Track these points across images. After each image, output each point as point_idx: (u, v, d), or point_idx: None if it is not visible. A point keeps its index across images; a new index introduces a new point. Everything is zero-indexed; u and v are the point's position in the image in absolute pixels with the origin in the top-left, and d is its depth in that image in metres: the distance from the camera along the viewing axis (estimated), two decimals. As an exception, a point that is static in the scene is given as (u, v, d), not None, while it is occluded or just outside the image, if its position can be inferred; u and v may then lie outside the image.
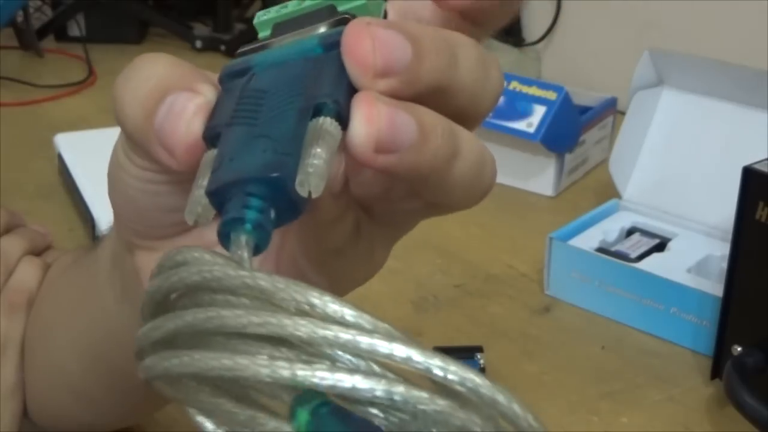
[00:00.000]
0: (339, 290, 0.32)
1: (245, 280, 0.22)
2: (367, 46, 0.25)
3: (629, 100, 0.80)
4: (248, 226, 0.23)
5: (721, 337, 0.62)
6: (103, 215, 0.76)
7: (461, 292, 0.74)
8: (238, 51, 0.28)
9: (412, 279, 0.75)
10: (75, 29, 1.30)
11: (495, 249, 0.80)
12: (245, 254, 0.23)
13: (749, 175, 0.59)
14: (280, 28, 0.28)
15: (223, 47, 1.29)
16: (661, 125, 0.81)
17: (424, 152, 0.26)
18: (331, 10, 0.28)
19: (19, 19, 1.23)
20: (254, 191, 0.24)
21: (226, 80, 0.27)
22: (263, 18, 0.28)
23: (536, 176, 0.91)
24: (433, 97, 0.27)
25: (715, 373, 0.63)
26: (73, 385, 0.45)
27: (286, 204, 0.24)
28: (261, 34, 0.29)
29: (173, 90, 0.27)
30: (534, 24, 1.20)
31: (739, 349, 0.61)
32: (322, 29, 0.27)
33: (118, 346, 0.38)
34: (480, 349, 0.63)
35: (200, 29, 1.33)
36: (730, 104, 0.77)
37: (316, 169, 0.24)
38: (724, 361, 0.60)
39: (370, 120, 0.25)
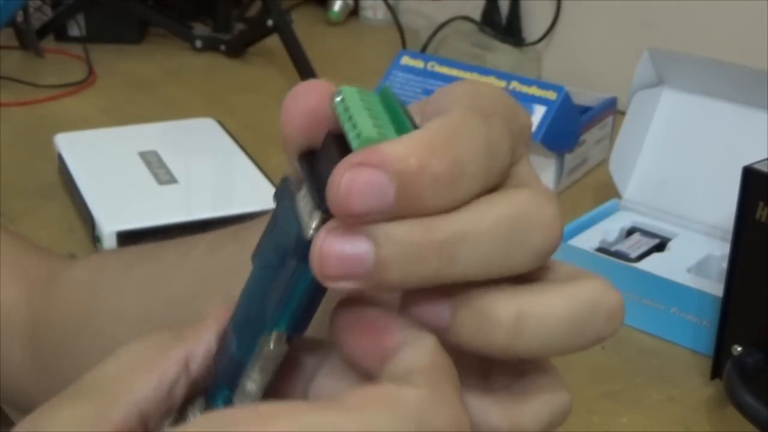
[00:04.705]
0: None
1: None
2: (319, 253, 0.24)
3: (629, 100, 0.80)
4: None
5: (721, 337, 0.62)
6: (103, 215, 0.76)
7: (461, 292, 0.74)
8: (300, 165, 0.27)
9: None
10: (75, 29, 1.30)
11: (495, 249, 0.79)
12: None
13: (749, 175, 0.59)
14: (330, 139, 0.27)
15: (223, 47, 1.29)
16: (661, 125, 0.81)
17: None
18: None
19: (19, 19, 1.23)
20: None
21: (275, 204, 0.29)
22: (346, 94, 0.26)
23: (536, 176, 0.91)
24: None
25: (715, 373, 0.63)
26: None
27: None
28: (337, 101, 0.26)
29: None
30: (534, 24, 1.20)
31: (739, 349, 0.61)
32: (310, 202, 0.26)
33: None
34: (480, 349, 0.63)
35: (200, 29, 1.33)
36: (730, 104, 0.77)
37: (248, 395, 0.28)
38: (724, 361, 0.60)
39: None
